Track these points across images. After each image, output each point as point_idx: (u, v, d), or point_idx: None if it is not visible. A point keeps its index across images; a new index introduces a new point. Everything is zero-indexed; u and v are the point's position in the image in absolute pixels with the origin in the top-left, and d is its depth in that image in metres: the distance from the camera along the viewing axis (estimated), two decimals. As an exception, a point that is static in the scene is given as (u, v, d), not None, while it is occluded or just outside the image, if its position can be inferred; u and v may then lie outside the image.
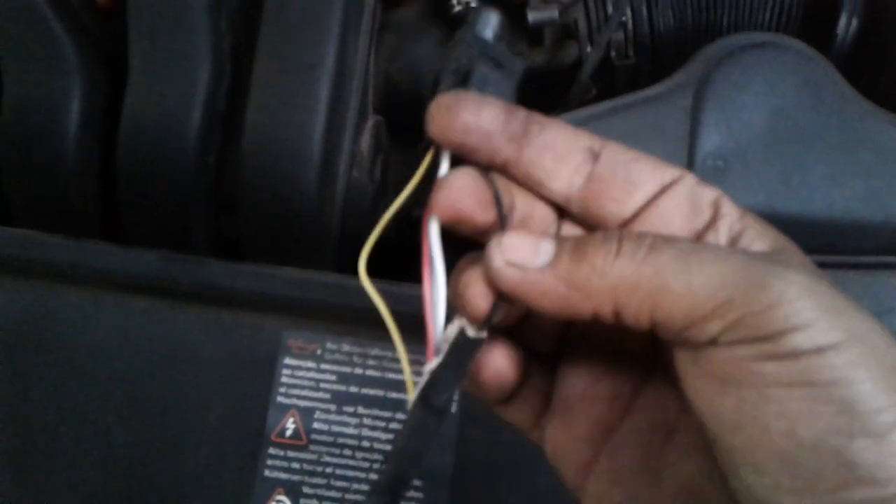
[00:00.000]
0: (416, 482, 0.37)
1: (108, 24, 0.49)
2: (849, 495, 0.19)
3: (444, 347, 0.24)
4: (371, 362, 0.38)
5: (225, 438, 0.38)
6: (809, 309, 0.19)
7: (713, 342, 0.20)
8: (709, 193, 0.24)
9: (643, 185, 0.24)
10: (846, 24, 0.47)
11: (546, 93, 0.53)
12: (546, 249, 0.22)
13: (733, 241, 0.23)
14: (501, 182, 0.24)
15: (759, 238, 0.23)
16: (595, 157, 0.24)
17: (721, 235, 0.23)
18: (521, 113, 0.24)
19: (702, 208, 0.23)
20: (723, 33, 0.49)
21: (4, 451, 0.38)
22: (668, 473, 0.23)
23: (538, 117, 0.24)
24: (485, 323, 0.23)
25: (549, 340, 0.27)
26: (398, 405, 0.38)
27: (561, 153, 0.24)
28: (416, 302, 0.39)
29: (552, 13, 0.50)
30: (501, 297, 0.23)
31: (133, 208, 0.47)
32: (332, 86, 0.45)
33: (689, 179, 0.24)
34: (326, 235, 0.49)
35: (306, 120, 0.45)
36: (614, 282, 0.21)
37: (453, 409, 0.38)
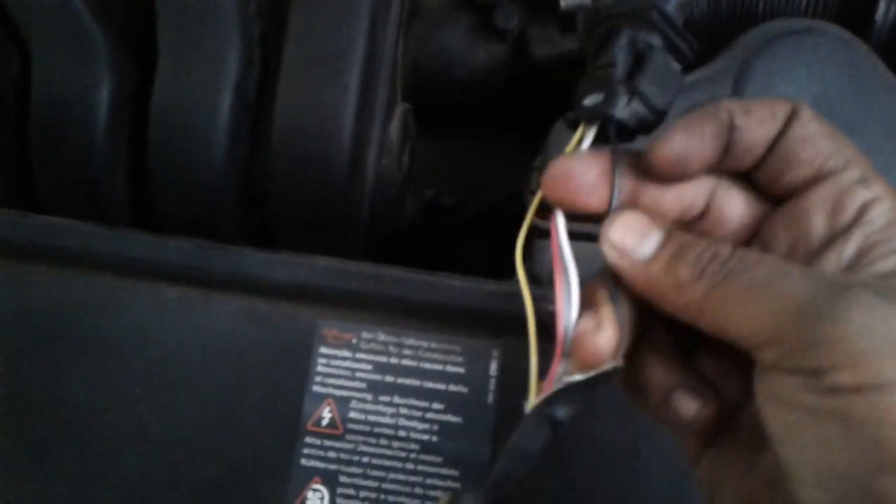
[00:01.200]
0: (453, 472, 0.37)
1: (137, 13, 0.48)
2: None
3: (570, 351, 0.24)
4: (407, 352, 0.38)
5: (261, 428, 0.38)
6: (860, 349, 0.20)
7: (773, 366, 0.22)
8: (862, 195, 0.24)
9: (800, 167, 0.24)
10: (885, 10, 0.46)
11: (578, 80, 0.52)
12: (651, 242, 0.24)
13: (860, 255, 0.23)
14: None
15: (890, 255, 0.23)
16: (789, 121, 0.25)
17: (850, 246, 0.23)
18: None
19: (845, 210, 0.24)
20: (758, 20, 0.48)
21: (40, 439, 0.39)
22: (758, 467, 0.24)
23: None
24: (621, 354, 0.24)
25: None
26: (434, 395, 0.38)
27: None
28: (453, 293, 0.39)
29: (585, -1, 0.50)
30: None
31: (163, 198, 0.47)
32: (361, 73, 0.45)
33: (849, 175, 0.24)
34: (356, 223, 0.48)
35: (336, 108, 0.45)
36: (688, 302, 0.23)
37: (489, 400, 0.38)
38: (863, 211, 0.24)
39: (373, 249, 0.50)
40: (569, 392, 0.24)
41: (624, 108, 0.26)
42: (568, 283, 0.25)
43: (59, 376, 0.39)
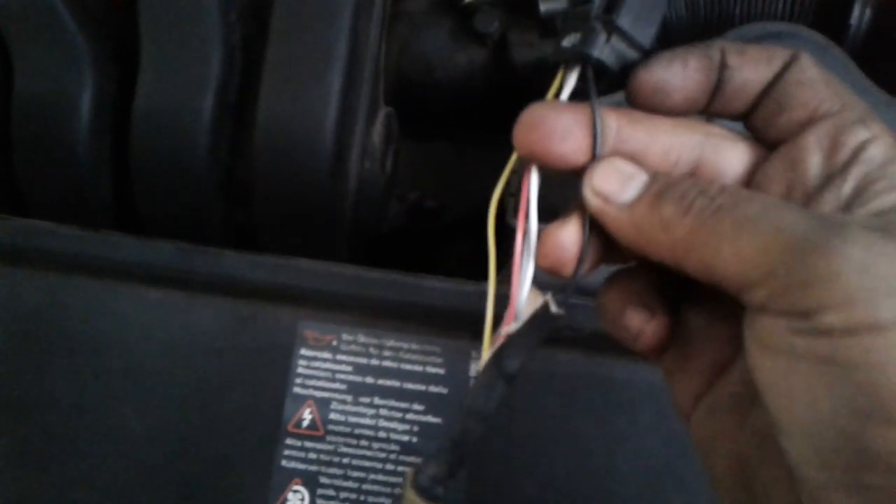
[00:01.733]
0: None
1: (119, 16, 0.49)
2: (866, 479, 0.19)
3: (525, 315, 0.24)
4: (387, 353, 0.38)
5: (241, 429, 0.38)
6: (854, 287, 0.19)
7: (762, 308, 0.20)
8: (860, 134, 0.23)
9: (794, 110, 0.24)
10: (860, 15, 0.47)
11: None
12: (634, 186, 0.23)
13: (858, 193, 0.22)
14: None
15: (890, 191, 0.22)
16: (787, 66, 0.24)
17: (848, 184, 0.22)
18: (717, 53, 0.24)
19: (842, 149, 0.23)
20: (735, 24, 0.49)
21: (21, 441, 0.39)
22: (749, 421, 0.23)
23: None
24: (565, 297, 0.24)
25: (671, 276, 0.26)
26: (414, 396, 0.38)
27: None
28: (433, 294, 0.39)
29: (563, 3, 0.50)
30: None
31: (146, 199, 0.47)
32: (344, 76, 0.45)
33: (847, 116, 0.23)
34: (338, 225, 0.49)
35: (318, 110, 0.45)
36: (674, 239, 0.22)
37: (469, 399, 0.38)
38: (860, 149, 0.22)
39: (356, 252, 0.51)
40: (514, 344, 0.24)
41: (603, 47, 0.24)
42: (529, 243, 0.24)
43: (41, 377, 0.39)
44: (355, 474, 0.37)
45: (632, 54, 0.25)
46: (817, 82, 0.24)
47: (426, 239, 0.59)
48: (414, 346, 0.38)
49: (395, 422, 0.38)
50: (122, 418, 0.39)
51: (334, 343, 0.39)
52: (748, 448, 0.23)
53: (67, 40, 0.46)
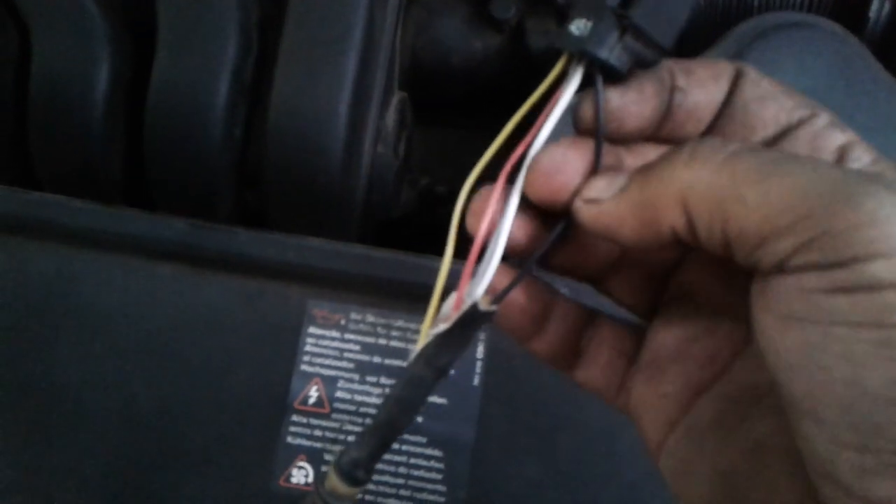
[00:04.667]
0: (437, 452, 0.37)
1: (136, -4, 0.49)
2: None
3: (454, 316, 0.23)
4: (395, 333, 0.39)
5: (248, 405, 0.38)
6: None
7: (781, 268, 0.18)
8: (838, 137, 0.21)
9: (765, 127, 0.22)
10: (879, 7, 0.46)
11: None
12: (620, 179, 0.21)
13: None
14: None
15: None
16: (735, 82, 0.22)
17: None
18: (666, 80, 0.22)
19: (824, 153, 0.21)
20: (753, 14, 0.48)
21: (30, 414, 0.39)
22: (740, 433, 0.22)
23: (683, 68, 0.23)
24: (499, 298, 0.23)
25: (641, 295, 0.25)
26: (421, 376, 0.38)
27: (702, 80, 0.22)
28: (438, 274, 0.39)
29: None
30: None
31: (158, 179, 0.47)
32: (358, 60, 0.45)
33: (819, 121, 0.22)
34: (350, 209, 0.49)
35: (333, 94, 0.45)
36: (682, 188, 0.19)
37: (475, 382, 0.38)
38: (843, 153, 0.21)
39: (365, 236, 0.51)
40: (444, 343, 0.23)
41: (614, 47, 0.21)
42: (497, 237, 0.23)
43: (51, 350, 0.40)
44: (360, 453, 0.38)
45: (648, 55, 0.22)
46: (777, 94, 0.22)
47: (436, 224, 0.59)
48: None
49: (401, 402, 0.38)
50: (130, 393, 0.39)
51: (342, 322, 0.39)
52: (737, 464, 0.21)
53: (85, 20, 0.46)
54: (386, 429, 0.24)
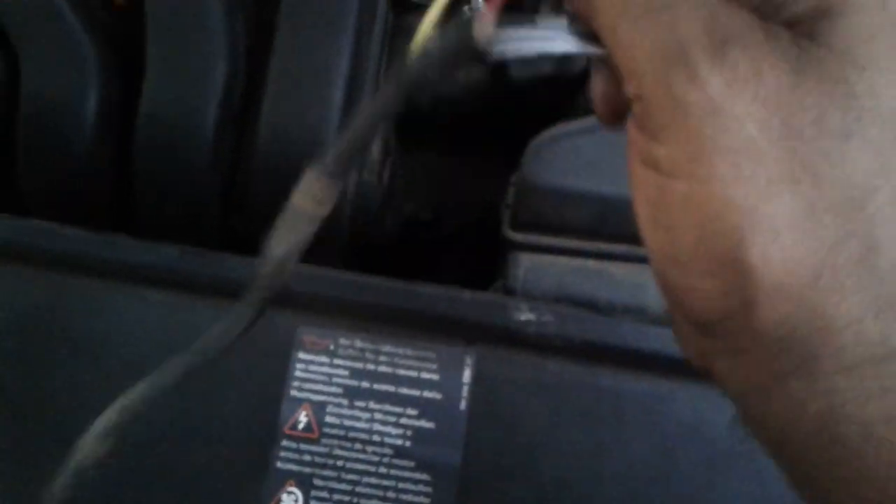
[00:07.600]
0: (425, 476, 0.38)
1: (125, 21, 0.49)
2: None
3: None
4: (383, 358, 0.39)
5: (238, 430, 0.39)
6: None
7: None
8: None
9: None
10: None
11: (555, 101, 0.54)
12: None
13: None
14: None
15: None
16: None
17: None
18: None
19: None
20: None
21: (21, 438, 0.39)
22: None
23: None
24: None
25: None
26: (408, 401, 0.39)
27: None
28: (428, 301, 0.40)
29: (560, 21, 0.51)
30: None
31: (147, 204, 0.48)
32: (345, 88, 0.46)
33: None
34: (336, 235, 0.49)
35: (320, 121, 0.46)
36: None
37: (462, 406, 0.39)
38: None
39: (352, 263, 0.51)
40: (427, 55, 0.23)
41: None
42: None
43: (41, 376, 0.40)
44: (349, 476, 0.38)
45: None
46: None
47: (421, 250, 0.60)
48: (409, 352, 0.39)
49: (390, 426, 0.39)
50: (118, 417, 0.39)
51: (331, 347, 0.39)
52: None
53: (74, 44, 0.47)
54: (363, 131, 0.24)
